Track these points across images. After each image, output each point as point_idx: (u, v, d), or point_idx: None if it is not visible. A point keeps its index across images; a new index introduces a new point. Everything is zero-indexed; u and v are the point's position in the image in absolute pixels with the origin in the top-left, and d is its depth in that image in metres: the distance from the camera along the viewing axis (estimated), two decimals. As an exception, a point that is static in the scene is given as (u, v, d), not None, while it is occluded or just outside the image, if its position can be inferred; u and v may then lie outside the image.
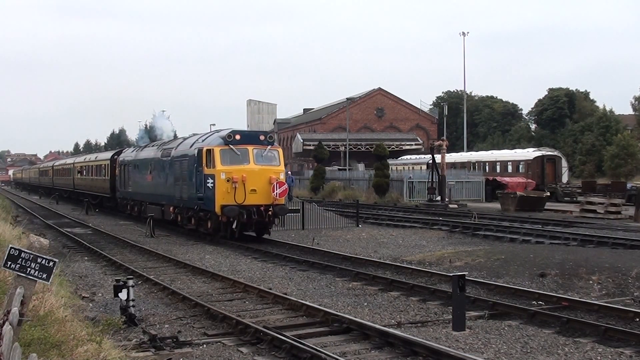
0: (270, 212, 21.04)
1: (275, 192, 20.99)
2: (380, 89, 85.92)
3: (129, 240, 22.21)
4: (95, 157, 42.76)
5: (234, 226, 20.70)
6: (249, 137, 21.90)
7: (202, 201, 21.62)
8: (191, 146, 23.29)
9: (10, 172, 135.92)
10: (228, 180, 20.70)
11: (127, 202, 32.72)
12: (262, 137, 21.94)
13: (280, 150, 22.58)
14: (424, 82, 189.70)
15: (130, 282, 10.77)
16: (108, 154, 38.93)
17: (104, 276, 15.52)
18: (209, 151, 21.34)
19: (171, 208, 25.15)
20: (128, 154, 33.80)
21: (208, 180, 21.06)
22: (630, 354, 8.74)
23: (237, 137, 21.35)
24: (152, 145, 30.39)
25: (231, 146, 21.19)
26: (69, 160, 55.45)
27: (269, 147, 21.78)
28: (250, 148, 21.35)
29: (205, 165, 21.29)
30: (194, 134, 26.30)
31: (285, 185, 21.63)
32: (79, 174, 46.70)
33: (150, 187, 28.12)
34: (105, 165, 37.98)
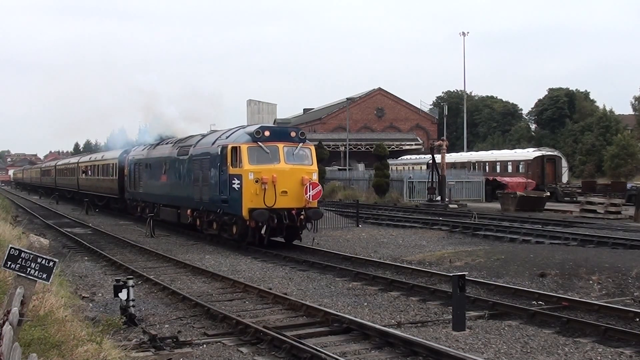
0: (302, 216, 19.22)
1: (308, 194, 19.07)
2: (380, 89, 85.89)
3: (129, 240, 22.21)
4: (102, 156, 40.60)
5: (263, 232, 18.76)
6: (279, 134, 19.89)
7: (226, 204, 19.77)
8: (213, 143, 21.27)
9: (11, 172, 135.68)
10: (257, 181, 18.78)
11: (138, 204, 30.89)
12: (293, 134, 19.94)
13: (313, 148, 20.53)
14: (424, 82, 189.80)
15: (130, 282, 10.78)
16: (116, 153, 36.75)
17: (104, 276, 15.52)
18: (234, 149, 19.41)
19: (188, 211, 23.29)
20: (138, 153, 31.72)
21: (234, 181, 19.18)
22: (630, 354, 8.75)
23: (267, 133, 19.39)
24: (166, 143, 28.23)
25: (260, 143, 19.22)
26: (73, 160, 53.08)
27: (300, 144, 19.86)
28: (280, 146, 19.44)
29: (231, 164, 19.40)
30: (213, 131, 24.49)
31: (319, 187, 19.71)
32: (84, 174, 44.93)
33: (165, 188, 26.29)
34: (113, 164, 35.96)
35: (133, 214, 31.61)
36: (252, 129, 19.91)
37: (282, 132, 20.18)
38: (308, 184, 19.09)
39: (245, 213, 18.82)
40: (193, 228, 23.52)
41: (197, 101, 30.55)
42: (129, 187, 32.26)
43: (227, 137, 20.68)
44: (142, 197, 30.09)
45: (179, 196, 24.36)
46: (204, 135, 23.97)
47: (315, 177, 19.73)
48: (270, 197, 18.72)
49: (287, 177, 19.06)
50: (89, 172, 43.22)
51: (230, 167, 19.37)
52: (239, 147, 19.29)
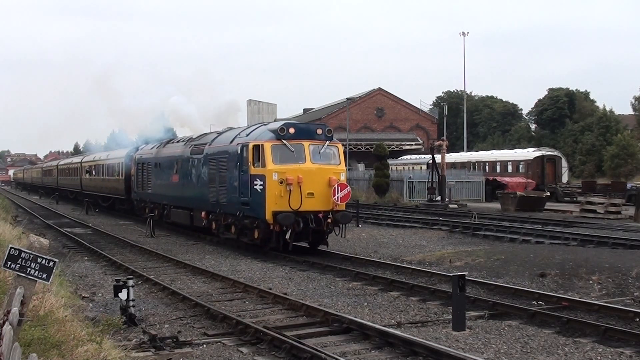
0: (329, 220, 17.98)
1: (336, 196, 17.77)
2: (380, 89, 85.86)
3: (129, 240, 22.21)
4: (107, 155, 38.69)
5: (287, 236, 17.51)
6: (305, 131, 18.55)
7: (247, 206, 18.41)
8: (231, 141, 19.93)
9: (11, 172, 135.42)
10: (281, 182, 17.50)
11: (146, 205, 29.17)
12: (319, 131, 18.58)
13: (340, 146, 19.30)
14: (424, 82, 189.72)
15: (130, 282, 10.78)
16: (122, 152, 35.12)
17: (104, 276, 15.52)
18: (257, 147, 18.15)
19: (203, 213, 21.89)
20: (147, 152, 30.17)
21: (256, 182, 17.89)
22: (630, 354, 8.75)
23: (291, 130, 18.08)
24: (178, 141, 26.83)
25: (284, 141, 17.91)
26: (76, 159, 50.92)
27: (327, 142, 18.50)
28: (306, 144, 18.10)
29: (252, 163, 18.14)
30: (229, 128, 23.20)
31: (348, 188, 18.44)
32: (88, 174, 43.57)
33: (176, 189, 24.90)
34: (119, 163, 34.55)
35: (141, 216, 30.06)
36: (276, 125, 18.73)
37: (307, 129, 18.90)
38: (336, 185, 17.88)
39: (268, 216, 17.57)
40: (208, 231, 22.20)
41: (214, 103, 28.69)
42: (137, 188, 30.83)
43: (247, 135, 19.33)
44: (150, 198, 28.64)
45: (193, 197, 23.14)
46: (219, 133, 22.62)
47: (343, 177, 18.49)
48: (296, 199, 17.50)
49: (314, 178, 17.85)
50: (93, 171, 41.88)
51: (252, 167, 18.16)
52: (262, 145, 18.03)
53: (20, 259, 6.53)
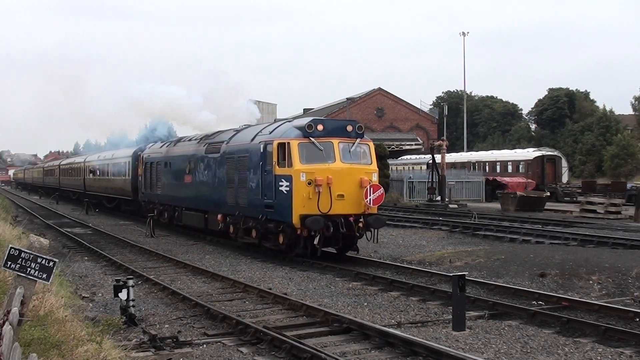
0: (361, 224, 16.77)
1: (368, 199, 16.57)
2: (380, 89, 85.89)
3: (129, 240, 22.21)
4: (112, 155, 37.36)
5: (315, 242, 16.32)
6: (334, 128, 17.28)
7: (271, 209, 17.22)
8: (252, 139, 18.67)
9: (11, 172, 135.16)
10: (309, 183, 16.29)
11: (154, 207, 27.68)
12: (349, 128, 17.32)
13: (372, 144, 17.94)
14: (424, 82, 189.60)
15: (130, 282, 10.79)
16: (129, 151, 33.75)
17: (104, 276, 15.53)
18: (282, 145, 16.89)
19: (219, 216, 20.56)
20: (155, 150, 28.79)
21: (281, 183, 16.66)
22: (630, 354, 8.75)
23: (320, 127, 16.87)
24: (190, 139, 25.29)
25: (312, 139, 16.73)
26: (79, 159, 48.78)
27: (357, 140, 17.30)
28: (335, 142, 16.91)
29: (277, 163, 16.91)
30: (247, 125, 22.01)
31: (381, 190, 17.11)
32: (92, 174, 42.02)
33: (189, 190, 23.59)
34: (125, 163, 33.23)
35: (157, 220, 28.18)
36: (302, 122, 17.44)
37: (337, 125, 17.59)
38: (368, 187, 16.64)
39: (295, 220, 16.32)
40: (224, 235, 20.95)
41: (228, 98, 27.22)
42: (144, 188, 29.37)
43: (270, 133, 18.06)
44: (160, 199, 27.29)
45: (208, 199, 21.82)
46: (237, 131, 21.14)
47: (375, 178, 17.25)
48: (326, 202, 16.25)
49: (344, 179, 16.63)
50: (98, 171, 40.42)
51: (277, 167, 16.91)
52: (288, 143, 16.73)
53: (20, 259, 6.54)
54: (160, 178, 27.23)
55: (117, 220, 32.22)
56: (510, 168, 49.54)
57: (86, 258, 18.74)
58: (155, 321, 10.85)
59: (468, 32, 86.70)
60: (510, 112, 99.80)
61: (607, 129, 71.83)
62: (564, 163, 50.28)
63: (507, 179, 44.30)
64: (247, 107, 25.35)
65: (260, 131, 18.83)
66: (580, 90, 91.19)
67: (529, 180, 44.11)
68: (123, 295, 10.57)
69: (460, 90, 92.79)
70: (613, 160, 63.36)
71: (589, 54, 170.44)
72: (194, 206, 23.32)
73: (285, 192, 16.60)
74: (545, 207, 35.04)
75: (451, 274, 11.51)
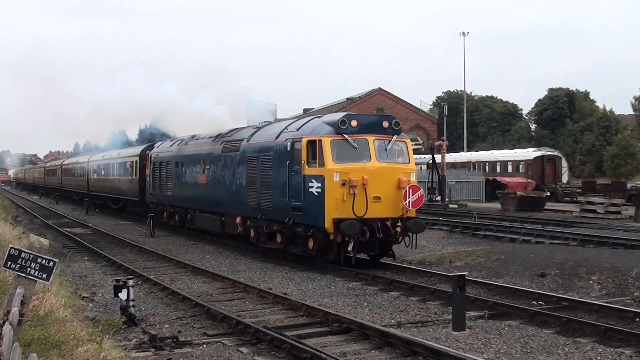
0: (398, 229, 15.67)
1: (407, 201, 15.41)
2: (380, 88, 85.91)
3: (129, 240, 22.21)
4: (118, 154, 36.04)
5: (350, 248, 15.20)
6: (369, 124, 16.00)
7: (299, 212, 15.95)
8: (277, 137, 17.35)
9: (11, 172, 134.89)
10: (343, 184, 15.05)
11: (164, 208, 26.61)
12: (385, 124, 16.04)
13: (409, 141, 16.76)
14: (424, 82, 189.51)
15: (130, 282, 10.80)
16: (136, 149, 32.72)
17: (104, 276, 15.53)
18: (312, 143, 15.63)
19: (238, 219, 19.30)
20: (165, 149, 27.35)
21: (311, 184, 15.41)
22: (630, 354, 8.75)
23: (354, 123, 15.61)
24: (204, 137, 23.66)
25: (345, 136, 15.53)
26: (82, 159, 47.24)
27: (394, 137, 16.06)
28: (370, 139, 15.64)
29: (307, 162, 15.67)
30: (267, 122, 20.59)
31: (421, 191, 15.95)
32: (95, 174, 40.90)
33: (203, 191, 22.32)
34: (132, 162, 31.99)
35: (157, 220, 26.94)
36: (335, 117, 16.26)
37: (372, 121, 16.33)
38: (407, 188, 15.49)
39: (328, 224, 15.07)
40: (243, 240, 19.75)
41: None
42: (153, 189, 28.01)
43: (297, 129, 16.73)
44: (170, 200, 25.99)
45: (225, 201, 20.50)
46: (258, 128, 19.79)
47: (413, 178, 16.04)
48: (361, 205, 15.03)
49: (381, 179, 15.40)
50: (102, 171, 39.17)
51: (306, 167, 15.67)
52: (320, 141, 15.45)
53: (20, 259, 6.54)
54: (170, 178, 25.91)
55: (117, 220, 32.22)
56: (510, 168, 49.54)
57: (86, 258, 18.75)
58: (155, 321, 10.85)
59: (468, 32, 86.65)
60: (510, 112, 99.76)
61: (607, 129, 71.85)
62: (564, 163, 50.28)
63: (507, 179, 44.30)
64: (264, 107, 24.46)
65: (286, 128, 17.48)
66: (580, 90, 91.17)
67: (529, 180, 44.11)
68: (123, 295, 10.58)
69: (460, 90, 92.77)
70: (613, 160, 63.39)
71: (589, 54, 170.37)
72: (209, 208, 22.05)
73: (316, 193, 15.35)
74: (545, 207, 35.04)
75: (451, 274, 11.51)
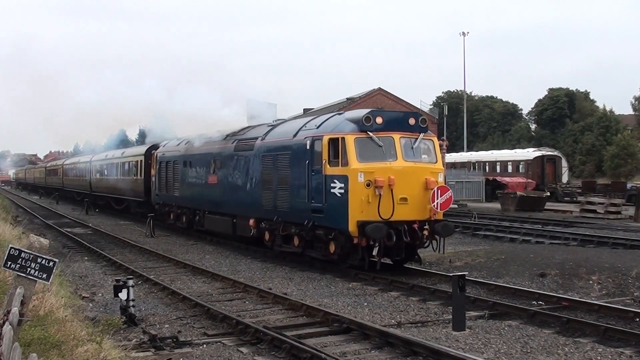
0: (426, 232, 14.81)
1: (435, 202, 14.58)
2: (380, 88, 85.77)
3: (129, 240, 22.21)
4: (122, 153, 35.26)
5: (375, 253, 14.43)
6: (395, 121, 15.18)
7: (320, 214, 15.14)
8: (295, 135, 16.57)
9: (11, 172, 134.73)
10: (368, 185, 14.22)
11: (171, 210, 25.82)
12: (411, 120, 15.24)
13: (436, 139, 15.94)
14: (424, 82, 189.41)
15: (130, 282, 10.79)
16: (141, 149, 31.93)
17: (104, 276, 15.53)
18: (334, 141, 14.85)
19: (251, 221, 18.49)
20: (172, 148, 26.37)
21: (334, 184, 14.62)
22: (630, 354, 8.75)
23: (379, 120, 14.79)
24: (214, 136, 22.48)
25: (370, 133, 14.69)
26: (84, 158, 45.83)
27: (421, 135, 15.23)
28: (396, 136, 14.81)
29: (328, 161, 14.88)
30: (281, 120, 19.82)
31: (450, 192, 15.08)
32: (98, 174, 40.03)
33: (213, 192, 21.44)
34: (137, 162, 31.20)
35: (164, 222, 26.58)
36: (358, 114, 15.43)
37: (398, 118, 15.49)
38: (435, 189, 14.65)
39: (352, 227, 14.25)
40: (257, 243, 19.04)
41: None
42: (159, 190, 27.01)
43: (317, 127, 15.96)
44: (177, 201, 25.16)
45: (237, 202, 19.64)
46: (273, 126, 18.91)
47: (441, 179, 15.28)
48: (387, 207, 14.19)
49: (407, 179, 14.57)
50: (105, 171, 38.32)
51: (328, 166, 14.87)
52: (343, 138, 14.66)
53: (20, 259, 6.54)
54: (177, 178, 24.95)
55: (117, 220, 32.22)
56: (510, 168, 49.54)
57: (86, 258, 18.75)
58: (155, 321, 10.85)
59: (468, 32, 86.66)
60: (510, 112, 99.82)
61: (607, 129, 71.90)
62: (564, 163, 50.30)
63: (507, 179, 44.30)
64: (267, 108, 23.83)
65: (304, 125, 16.71)
66: (580, 90, 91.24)
67: (529, 180, 44.10)
68: (123, 295, 10.58)
69: (460, 90, 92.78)
70: (613, 160, 63.42)
71: (589, 54, 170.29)
72: (220, 210, 21.17)
73: (338, 194, 14.54)
74: (545, 207, 35.05)
75: (451, 274, 11.50)
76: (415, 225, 14.54)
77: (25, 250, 6.63)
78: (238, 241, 20.34)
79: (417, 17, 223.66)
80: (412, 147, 15.03)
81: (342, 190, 14.46)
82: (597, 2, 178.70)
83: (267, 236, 17.88)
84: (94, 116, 25.50)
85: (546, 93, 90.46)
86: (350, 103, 76.63)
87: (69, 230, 26.54)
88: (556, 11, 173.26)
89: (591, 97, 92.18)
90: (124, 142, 39.34)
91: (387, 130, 14.82)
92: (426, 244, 15.18)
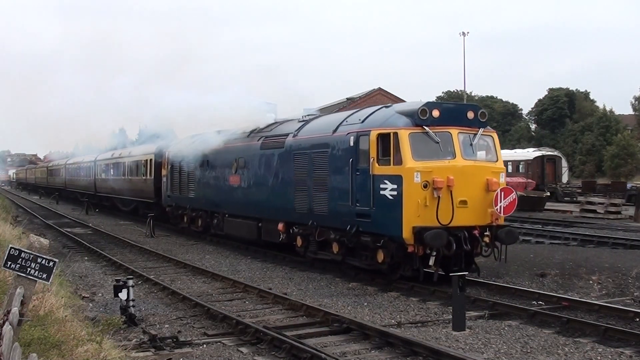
0: (487, 239, 13.22)
1: (498, 206, 13.07)
2: (380, 88, 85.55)
3: (129, 240, 22.21)
4: (129, 152, 33.51)
5: (431, 262, 12.80)
6: (452, 114, 13.57)
7: (366, 219, 13.48)
8: (335, 130, 14.94)
9: (11, 171, 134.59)
10: (425, 186, 12.65)
11: (185, 212, 24.06)
12: (470, 114, 13.60)
13: (496, 135, 14.26)
14: (424, 82, 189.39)
15: (130, 282, 10.80)
16: (150, 147, 29.73)
17: (104, 276, 15.53)
18: (385, 137, 13.21)
19: (281, 225, 16.88)
20: (185, 146, 24.01)
21: (383, 185, 13.01)
22: (630, 354, 8.75)
23: (435, 113, 13.16)
24: (235, 133, 20.58)
25: (426, 128, 13.10)
26: (88, 157, 43.22)
27: (480, 130, 13.67)
28: (454, 132, 13.23)
29: (377, 160, 13.29)
30: (313, 115, 18.09)
31: (514, 195, 13.40)
32: (104, 174, 38.35)
33: (235, 193, 19.75)
34: (147, 161, 29.64)
35: (176, 225, 25.33)
36: (412, 107, 13.63)
37: (455, 111, 13.85)
38: (498, 191, 13.13)
39: (406, 234, 12.65)
40: (287, 249, 17.50)
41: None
42: (171, 191, 25.36)
43: (362, 121, 14.23)
44: (192, 203, 23.41)
45: (264, 205, 17.96)
46: (305, 121, 17.26)
47: (503, 179, 13.70)
48: (447, 210, 12.68)
49: (467, 180, 13.03)
50: (112, 171, 36.45)
51: (376, 165, 13.27)
52: (395, 134, 13.02)
53: (20, 259, 6.54)
54: (192, 179, 23.29)
55: (117, 220, 32.21)
56: (510, 168, 49.35)
57: (86, 258, 18.74)
58: (155, 321, 10.85)
59: (468, 32, 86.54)
60: (510, 112, 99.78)
61: (607, 129, 71.87)
62: (564, 163, 50.26)
63: (507, 179, 44.25)
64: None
65: (345, 120, 15.11)
66: (580, 90, 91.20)
67: (529, 180, 44.02)
68: (123, 295, 10.58)
69: (460, 90, 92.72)
70: (613, 160, 63.41)
71: (589, 54, 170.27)
72: (243, 212, 19.43)
73: (390, 197, 12.93)
74: (545, 207, 35.07)
75: (451, 274, 11.49)
76: (476, 232, 13.06)
77: (25, 250, 6.63)
78: (263, 247, 18.96)
79: (417, 17, 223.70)
80: (471, 144, 13.52)
81: (395, 192, 12.88)
82: (598, 2, 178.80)
83: (299, 242, 16.31)
84: (91, 115, 25.18)
85: (546, 93, 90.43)
86: (350, 103, 76.60)
87: (69, 230, 26.54)
88: (556, 11, 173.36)
89: (591, 97, 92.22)
90: (123, 143, 38.99)
91: (444, 125, 13.24)
92: (487, 252, 13.49)
